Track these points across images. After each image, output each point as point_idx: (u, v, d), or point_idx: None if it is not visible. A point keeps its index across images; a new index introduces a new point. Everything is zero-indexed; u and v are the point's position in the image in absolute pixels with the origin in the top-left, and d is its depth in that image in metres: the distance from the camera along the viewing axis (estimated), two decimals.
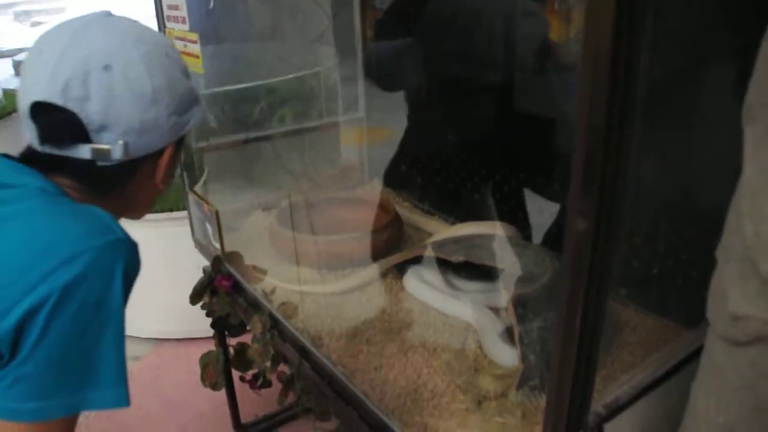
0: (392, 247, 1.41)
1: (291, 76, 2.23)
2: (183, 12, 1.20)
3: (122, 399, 0.67)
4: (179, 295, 2.12)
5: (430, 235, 1.47)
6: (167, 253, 2.06)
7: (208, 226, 1.46)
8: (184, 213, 1.98)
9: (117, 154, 0.72)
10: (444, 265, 1.27)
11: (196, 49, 1.20)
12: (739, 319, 0.53)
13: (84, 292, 0.62)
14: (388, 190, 1.81)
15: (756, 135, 0.52)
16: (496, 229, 1.33)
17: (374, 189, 1.80)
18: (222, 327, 1.50)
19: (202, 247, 1.57)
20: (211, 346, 1.57)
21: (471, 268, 1.21)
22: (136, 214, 0.87)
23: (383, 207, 1.52)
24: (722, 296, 0.55)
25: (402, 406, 0.96)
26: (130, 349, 2.18)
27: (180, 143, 0.82)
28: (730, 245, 0.56)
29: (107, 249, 0.65)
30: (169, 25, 1.31)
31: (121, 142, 0.72)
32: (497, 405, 0.95)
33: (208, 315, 1.45)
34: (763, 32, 0.51)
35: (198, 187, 1.62)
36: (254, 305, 1.33)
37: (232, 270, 1.40)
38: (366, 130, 1.89)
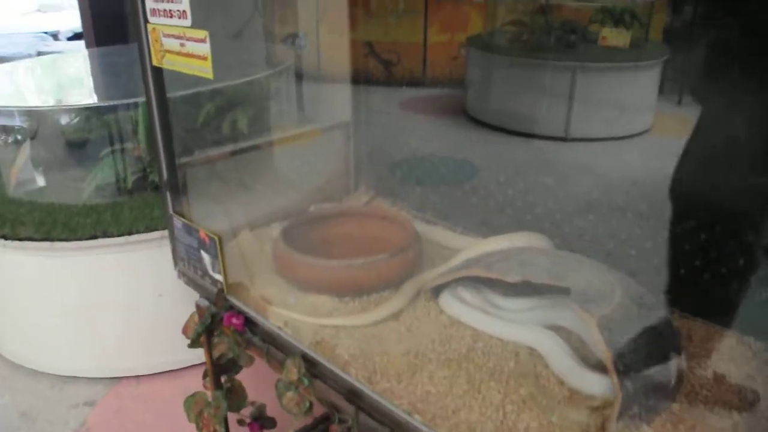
0: (417, 266, 1.29)
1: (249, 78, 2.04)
2: (184, 5, 1.00)
3: None
4: (136, 325, 1.87)
5: (451, 250, 1.36)
6: (122, 281, 1.80)
7: (205, 256, 1.26)
8: (143, 236, 1.74)
9: None
10: (478, 282, 1.17)
11: (202, 49, 1.01)
12: None
13: None
14: (379, 199, 1.69)
15: None
16: (530, 241, 1.26)
17: (371, 200, 1.67)
18: (222, 370, 1.31)
19: (189, 278, 1.37)
20: (178, 381, 1.35)
21: (508, 284, 1.12)
22: None
23: (398, 222, 1.40)
24: None
25: None
26: (81, 394, 1.91)
27: None
28: None
29: None
30: (154, 20, 1.10)
31: None
32: None
33: (218, 360, 1.25)
34: None
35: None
36: (269, 341, 1.17)
37: (240, 305, 1.22)
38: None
